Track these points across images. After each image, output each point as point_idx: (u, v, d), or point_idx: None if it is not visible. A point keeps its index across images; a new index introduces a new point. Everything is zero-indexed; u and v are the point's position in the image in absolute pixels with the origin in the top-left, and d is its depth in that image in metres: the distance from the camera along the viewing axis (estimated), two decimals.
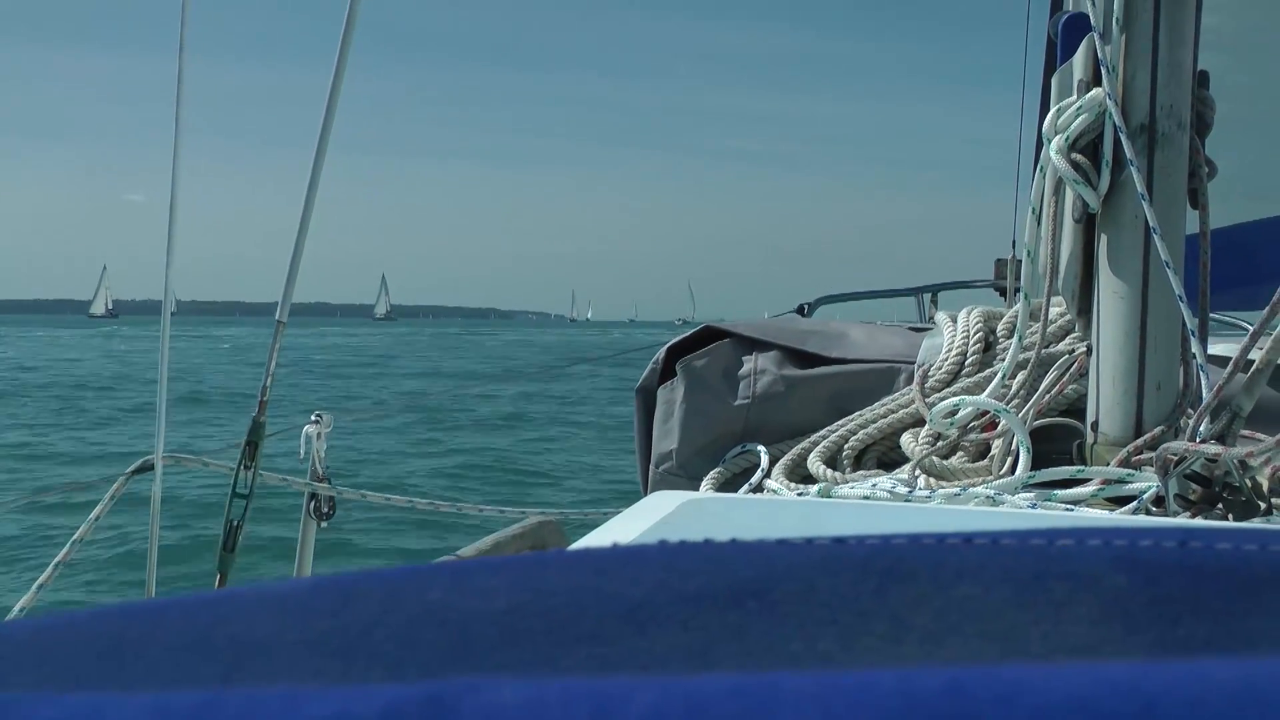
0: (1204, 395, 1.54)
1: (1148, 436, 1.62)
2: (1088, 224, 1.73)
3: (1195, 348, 1.61)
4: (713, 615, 0.35)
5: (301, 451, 2.89)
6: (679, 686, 0.23)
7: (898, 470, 1.80)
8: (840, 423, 1.95)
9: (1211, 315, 1.88)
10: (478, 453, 14.56)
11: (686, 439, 2.05)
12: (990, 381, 1.87)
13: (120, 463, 2.95)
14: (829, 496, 1.69)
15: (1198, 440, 1.40)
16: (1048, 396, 1.81)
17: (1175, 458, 1.39)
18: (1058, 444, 1.77)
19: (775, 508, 1.46)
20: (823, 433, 1.94)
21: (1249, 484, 1.37)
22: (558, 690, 0.23)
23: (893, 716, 0.21)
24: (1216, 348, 1.92)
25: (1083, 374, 1.78)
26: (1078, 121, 1.67)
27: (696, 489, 1.92)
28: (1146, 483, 1.52)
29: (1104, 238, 1.70)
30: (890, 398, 1.97)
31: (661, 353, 2.15)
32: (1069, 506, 1.53)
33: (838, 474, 1.83)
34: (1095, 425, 1.70)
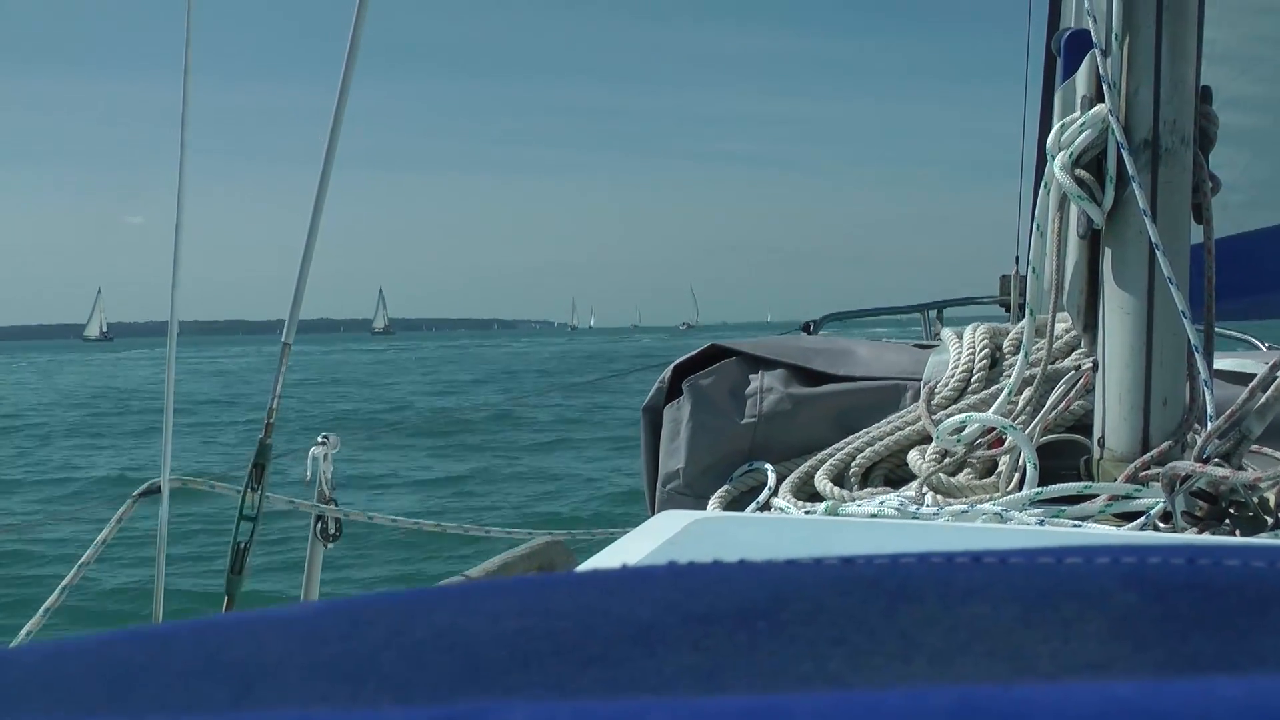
0: (1209, 410, 1.54)
1: (1155, 452, 1.61)
2: (1092, 240, 1.73)
3: (1200, 363, 1.61)
4: (722, 636, 0.35)
5: (308, 473, 2.89)
6: (688, 708, 0.23)
7: (905, 488, 1.79)
8: (847, 440, 1.95)
9: (1217, 329, 1.87)
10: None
11: (693, 458, 2.05)
12: (996, 398, 1.87)
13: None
14: (836, 515, 1.69)
15: (1206, 459, 1.40)
16: (1054, 413, 1.81)
17: (1183, 475, 1.38)
18: (1064, 460, 1.76)
19: (783, 526, 1.46)
20: (829, 450, 1.94)
21: (1256, 500, 1.37)
22: (567, 713, 0.23)
23: None
24: (1222, 362, 1.92)
25: (1089, 390, 1.78)
26: (1081, 138, 1.67)
27: (703, 508, 1.92)
28: (1154, 498, 1.52)
29: (1109, 253, 1.70)
30: (897, 415, 1.97)
31: (668, 372, 2.15)
32: (1077, 523, 1.53)
33: (845, 492, 1.83)
34: (1102, 441, 1.70)
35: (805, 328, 4.78)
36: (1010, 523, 1.53)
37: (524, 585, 0.41)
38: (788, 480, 1.91)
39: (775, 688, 0.31)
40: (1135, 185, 1.60)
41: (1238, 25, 3.03)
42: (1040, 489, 1.62)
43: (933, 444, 1.83)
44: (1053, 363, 1.85)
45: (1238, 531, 1.37)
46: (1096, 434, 1.72)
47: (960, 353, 2.01)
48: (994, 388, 1.93)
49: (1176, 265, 1.59)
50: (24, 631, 2.63)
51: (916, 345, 2.28)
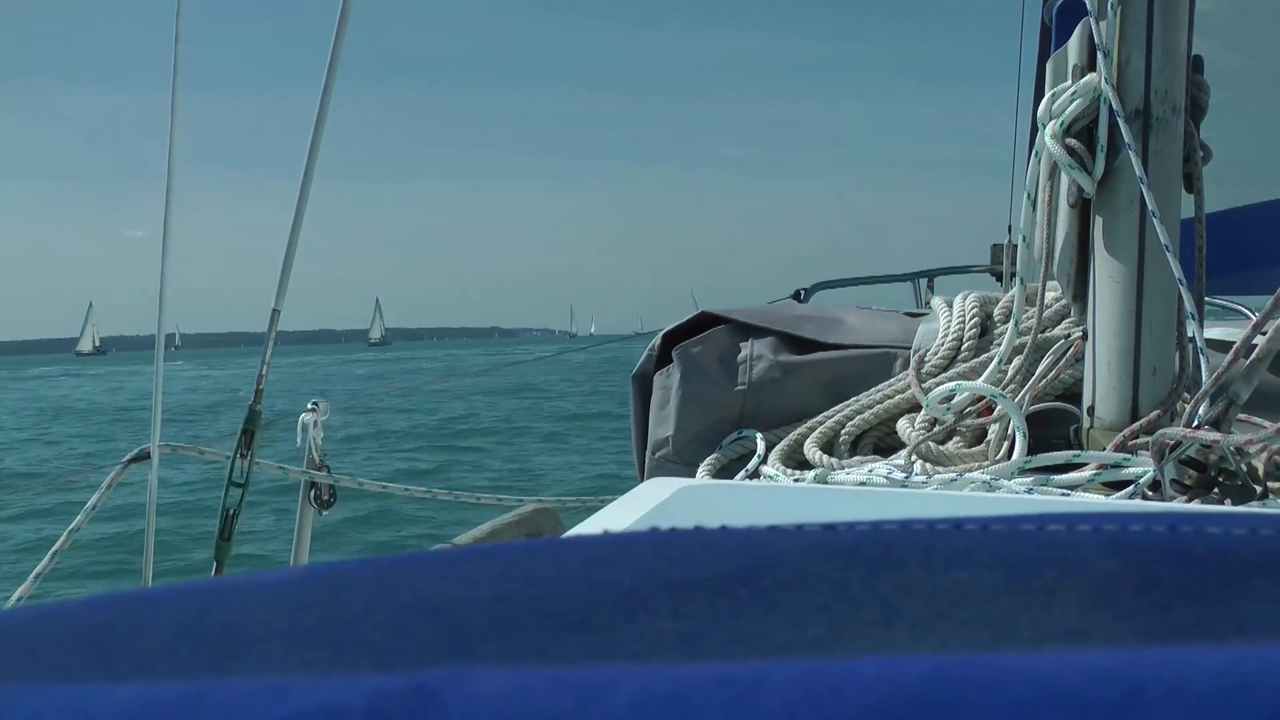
0: (1202, 379, 1.54)
1: (1144, 421, 1.62)
2: (1083, 209, 1.73)
3: (1193, 331, 1.61)
4: (703, 602, 0.35)
5: (298, 440, 2.89)
6: (665, 675, 0.23)
7: (894, 456, 1.80)
8: (837, 408, 1.95)
9: (1206, 300, 1.87)
10: None
11: (683, 425, 2.05)
12: (986, 366, 1.87)
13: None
14: (825, 482, 1.69)
15: (1194, 425, 1.40)
16: (1044, 381, 1.81)
17: (1171, 443, 1.39)
18: (1054, 429, 1.77)
19: (771, 494, 1.46)
20: (819, 418, 1.94)
21: (1245, 469, 1.37)
22: (543, 679, 0.23)
23: (877, 705, 0.21)
24: (1211, 331, 1.92)
25: (1079, 359, 1.78)
26: (1073, 106, 1.67)
27: (693, 475, 1.92)
28: (1143, 467, 1.52)
29: (1099, 222, 1.70)
30: (887, 383, 1.97)
31: (658, 339, 2.15)
32: (1065, 491, 1.53)
33: (834, 460, 1.83)
34: (1091, 410, 1.70)
35: (796, 295, 4.77)
36: (999, 491, 1.53)
37: (506, 551, 0.41)
38: (777, 448, 1.92)
39: (755, 654, 0.31)
40: (1130, 152, 1.59)
41: None
42: (1029, 458, 1.62)
43: (922, 412, 1.83)
44: (1043, 331, 1.85)
45: (1227, 501, 1.37)
46: (1086, 403, 1.72)
47: (950, 321, 2.01)
48: (984, 356, 1.93)
49: (1170, 233, 1.59)
50: (15, 597, 2.64)
51: (907, 313, 2.28)
